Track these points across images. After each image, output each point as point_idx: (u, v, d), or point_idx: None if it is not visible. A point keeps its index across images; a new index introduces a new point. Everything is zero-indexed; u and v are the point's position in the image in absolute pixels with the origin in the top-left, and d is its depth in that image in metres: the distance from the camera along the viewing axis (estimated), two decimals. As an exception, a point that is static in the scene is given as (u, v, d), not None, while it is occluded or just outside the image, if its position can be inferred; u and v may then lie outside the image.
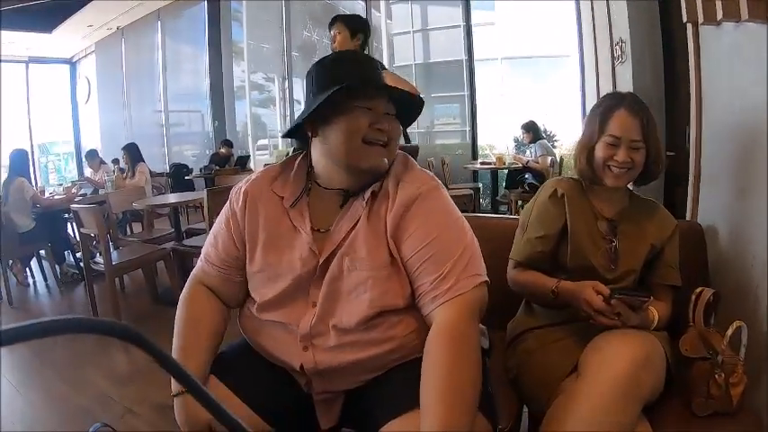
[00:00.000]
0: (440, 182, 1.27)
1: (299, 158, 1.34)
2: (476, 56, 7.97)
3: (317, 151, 1.27)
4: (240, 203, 1.29)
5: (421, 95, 1.31)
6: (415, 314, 1.19)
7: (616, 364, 1.20)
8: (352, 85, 1.17)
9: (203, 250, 1.34)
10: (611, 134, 1.50)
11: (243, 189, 1.30)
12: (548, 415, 1.28)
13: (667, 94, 4.05)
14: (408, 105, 1.27)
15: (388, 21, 9.52)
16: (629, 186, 1.63)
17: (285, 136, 1.38)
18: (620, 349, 1.24)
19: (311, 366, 1.19)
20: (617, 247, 1.54)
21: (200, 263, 1.35)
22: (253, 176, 1.34)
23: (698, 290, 1.48)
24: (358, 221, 1.21)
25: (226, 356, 1.31)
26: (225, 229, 1.30)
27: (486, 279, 1.18)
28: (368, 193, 1.22)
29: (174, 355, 1.18)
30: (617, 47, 4.58)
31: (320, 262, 1.20)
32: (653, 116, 1.51)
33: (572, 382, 1.30)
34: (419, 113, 1.30)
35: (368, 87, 1.20)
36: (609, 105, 1.53)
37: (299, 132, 1.28)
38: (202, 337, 1.25)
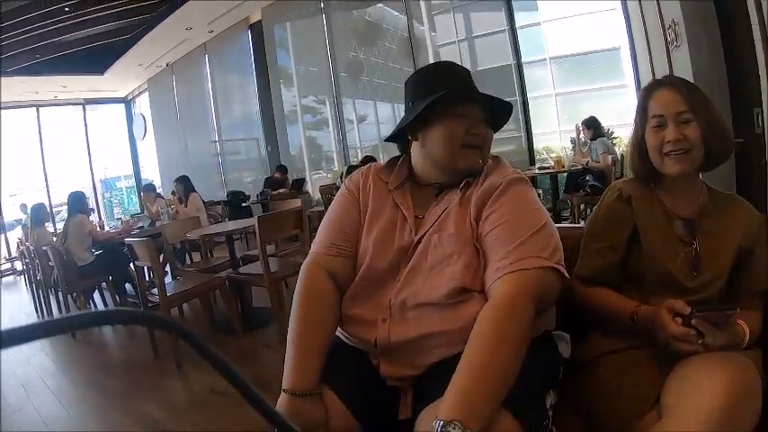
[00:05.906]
0: (526, 177, 1.33)
1: (400, 161, 1.47)
2: (523, 58, 7.73)
3: (416, 154, 1.42)
4: (359, 184, 1.44)
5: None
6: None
7: (710, 401, 1.00)
8: (452, 94, 1.31)
9: (319, 238, 1.41)
10: (654, 115, 1.36)
11: (360, 172, 1.47)
12: None
13: (730, 76, 3.76)
14: (497, 112, 1.40)
15: (433, 33, 9.43)
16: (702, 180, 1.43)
17: (388, 140, 1.52)
18: (712, 381, 1.04)
19: (384, 338, 1.23)
20: (698, 249, 1.33)
21: (315, 248, 1.40)
22: (363, 167, 1.49)
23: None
24: (450, 205, 1.31)
25: None
26: (344, 208, 1.42)
27: (556, 267, 1.16)
28: (463, 182, 1.33)
29: (297, 347, 1.23)
30: (670, 30, 4.27)
31: (415, 241, 1.30)
32: (702, 92, 1.35)
33: (655, 422, 1.11)
34: (508, 118, 1.44)
35: (466, 96, 1.34)
36: (647, 90, 1.41)
37: (400, 136, 1.44)
38: (324, 332, 1.28)
